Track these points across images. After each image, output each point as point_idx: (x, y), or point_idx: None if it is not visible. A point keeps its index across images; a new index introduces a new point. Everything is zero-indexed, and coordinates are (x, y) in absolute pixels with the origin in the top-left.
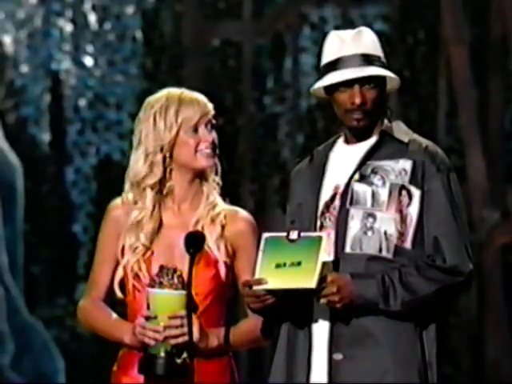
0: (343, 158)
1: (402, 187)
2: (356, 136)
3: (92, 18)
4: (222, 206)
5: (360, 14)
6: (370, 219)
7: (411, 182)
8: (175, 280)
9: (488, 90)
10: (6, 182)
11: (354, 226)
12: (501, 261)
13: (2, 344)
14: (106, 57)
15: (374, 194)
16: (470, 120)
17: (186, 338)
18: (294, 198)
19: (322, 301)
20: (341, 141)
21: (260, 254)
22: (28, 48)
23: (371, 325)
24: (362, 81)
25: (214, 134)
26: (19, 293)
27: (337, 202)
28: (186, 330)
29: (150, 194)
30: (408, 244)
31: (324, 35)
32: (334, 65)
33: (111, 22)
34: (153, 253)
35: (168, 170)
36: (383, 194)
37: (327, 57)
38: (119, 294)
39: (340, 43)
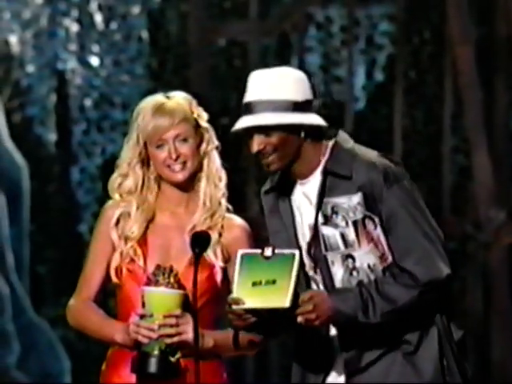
0: (300, 194)
1: (363, 219)
2: (296, 176)
3: (98, 18)
4: (219, 213)
5: (366, 13)
6: (350, 260)
7: (368, 210)
8: (171, 279)
9: (494, 89)
10: (12, 182)
11: (338, 271)
12: (507, 260)
13: (7, 344)
14: (112, 57)
15: (343, 236)
16: (476, 120)
17: (181, 337)
18: (271, 224)
19: (299, 319)
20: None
21: (237, 271)
22: (34, 48)
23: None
24: (260, 128)
25: (184, 148)
26: (25, 292)
27: (312, 248)
28: (181, 329)
29: (133, 199)
30: (391, 259)
31: (330, 35)
32: (245, 108)
33: (117, 22)
34: (147, 246)
35: (151, 177)
36: (350, 233)
37: (244, 97)
38: (114, 278)
39: (253, 86)
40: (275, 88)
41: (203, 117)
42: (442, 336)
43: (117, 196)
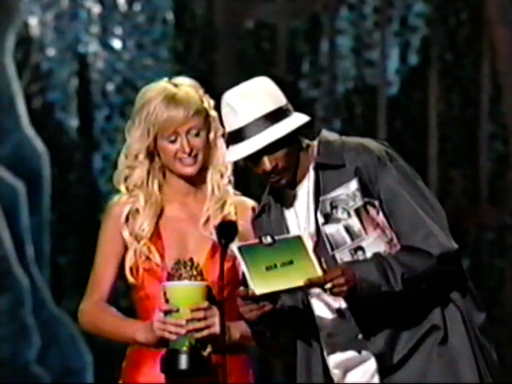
0: (294, 203)
1: (365, 205)
2: (293, 185)
3: None
4: (229, 201)
5: None
6: (359, 252)
7: (367, 195)
8: (194, 271)
9: None
10: (32, 170)
11: None
12: None
13: (27, 338)
14: (135, 39)
15: (347, 229)
16: None
17: (210, 330)
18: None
19: (328, 286)
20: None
21: (242, 262)
22: (54, 30)
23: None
24: (266, 148)
25: (196, 141)
26: (45, 284)
27: (318, 253)
28: (209, 322)
29: (140, 193)
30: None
31: (362, 16)
32: (235, 136)
33: (141, 3)
34: (162, 242)
35: (155, 167)
36: (355, 224)
37: (226, 127)
38: (130, 278)
39: (233, 113)
40: (258, 103)
41: (211, 105)
42: (466, 320)
43: (123, 188)
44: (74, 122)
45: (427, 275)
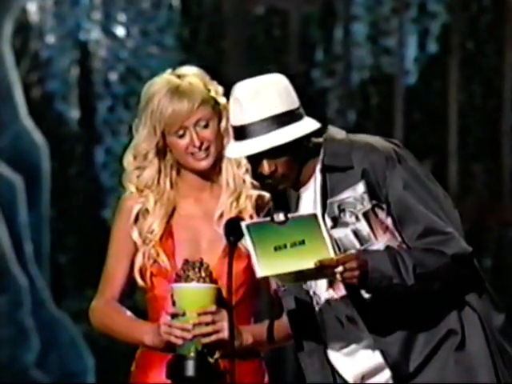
0: (298, 205)
1: (373, 208)
2: (298, 186)
3: None
4: (246, 193)
5: None
6: None
7: (374, 198)
8: (202, 273)
9: None
10: (31, 164)
11: None
12: None
13: (26, 340)
14: (140, 26)
15: (356, 233)
16: None
17: (218, 335)
18: None
19: (339, 269)
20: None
21: (248, 242)
22: (54, 16)
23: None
24: (267, 152)
25: (206, 133)
26: (45, 284)
27: None
28: (217, 326)
29: (150, 194)
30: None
31: (378, 2)
32: (238, 132)
33: None
34: (173, 240)
35: (167, 164)
36: (363, 228)
37: (231, 120)
38: (140, 281)
39: (239, 108)
40: (266, 103)
41: (219, 92)
42: (484, 323)
43: (133, 189)
44: (74, 113)
45: (440, 274)
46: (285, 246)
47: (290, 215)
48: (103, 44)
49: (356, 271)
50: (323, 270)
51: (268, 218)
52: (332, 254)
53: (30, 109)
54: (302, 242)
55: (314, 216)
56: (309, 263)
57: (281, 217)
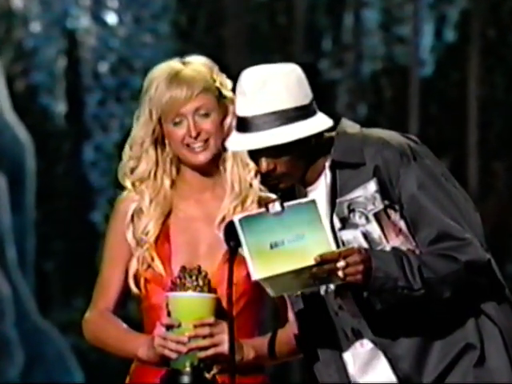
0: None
1: (385, 209)
2: (302, 185)
3: None
4: (251, 198)
5: None
6: None
7: (386, 198)
8: (200, 281)
9: None
10: (14, 162)
11: None
12: None
13: (8, 353)
14: (132, 13)
15: (365, 236)
16: None
17: (217, 349)
18: None
19: (342, 263)
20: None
21: (242, 240)
22: (40, 2)
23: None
24: (269, 149)
25: (205, 124)
26: (29, 293)
27: None
28: (216, 340)
29: (145, 191)
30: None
31: None
32: (240, 123)
33: None
34: (170, 245)
35: (166, 159)
36: (374, 230)
37: (235, 109)
38: (134, 289)
39: (243, 98)
40: (273, 96)
41: (227, 85)
42: (504, 336)
43: (128, 184)
44: (61, 107)
45: (450, 280)
46: (282, 243)
47: (286, 204)
48: (92, 32)
49: (360, 265)
50: (324, 266)
51: (263, 209)
52: (333, 246)
53: (14, 102)
54: (301, 236)
55: (313, 202)
56: (309, 260)
57: (276, 206)
